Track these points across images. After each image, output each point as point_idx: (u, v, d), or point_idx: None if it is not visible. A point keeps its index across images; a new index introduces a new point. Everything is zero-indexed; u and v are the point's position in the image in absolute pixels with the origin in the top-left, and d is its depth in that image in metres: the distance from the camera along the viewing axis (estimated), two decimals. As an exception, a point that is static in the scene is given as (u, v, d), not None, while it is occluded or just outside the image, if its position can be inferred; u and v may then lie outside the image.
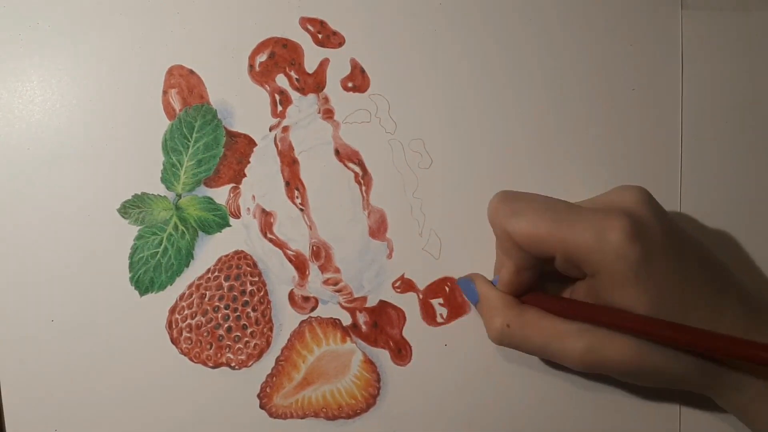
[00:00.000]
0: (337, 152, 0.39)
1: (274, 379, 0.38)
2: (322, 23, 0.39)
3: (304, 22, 0.39)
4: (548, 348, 0.33)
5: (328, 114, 0.39)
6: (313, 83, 0.39)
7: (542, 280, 0.36)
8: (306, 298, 0.39)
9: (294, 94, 0.39)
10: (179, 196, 0.38)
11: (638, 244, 0.30)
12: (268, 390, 0.38)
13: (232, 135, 0.39)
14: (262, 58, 0.39)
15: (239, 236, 0.39)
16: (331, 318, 0.39)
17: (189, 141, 0.38)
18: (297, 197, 0.39)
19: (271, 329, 0.39)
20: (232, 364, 0.38)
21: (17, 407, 0.38)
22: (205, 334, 0.38)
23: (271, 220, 0.39)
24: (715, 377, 0.32)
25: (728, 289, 0.32)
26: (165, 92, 0.38)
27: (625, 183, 0.39)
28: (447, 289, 0.39)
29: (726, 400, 0.33)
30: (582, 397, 0.39)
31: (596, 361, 0.32)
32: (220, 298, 0.38)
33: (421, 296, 0.39)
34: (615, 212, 0.31)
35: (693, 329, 0.30)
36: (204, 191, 0.39)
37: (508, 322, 0.34)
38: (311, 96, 0.39)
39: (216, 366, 0.38)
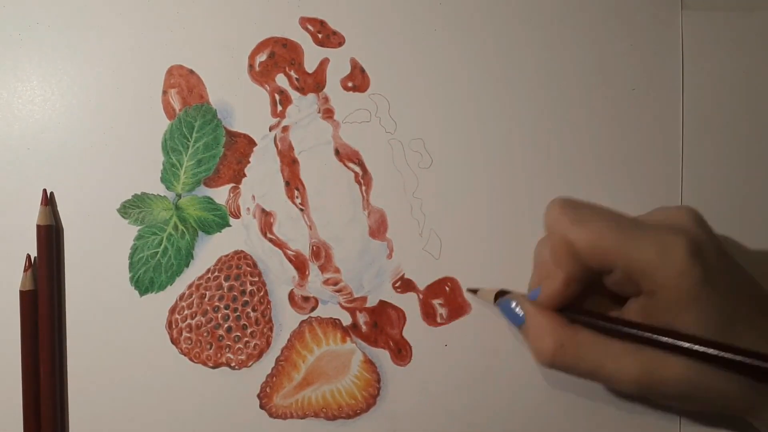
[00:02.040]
0: (337, 152, 0.39)
1: (274, 379, 0.38)
2: (322, 23, 0.39)
3: (304, 21, 0.39)
4: (603, 369, 0.32)
5: (328, 114, 0.39)
6: (313, 83, 0.39)
7: (585, 299, 0.35)
8: (306, 298, 0.39)
9: (294, 94, 0.39)
10: (179, 196, 0.38)
11: (700, 262, 0.30)
12: (268, 390, 0.38)
13: (232, 135, 0.39)
14: (262, 57, 0.39)
15: (239, 236, 0.39)
16: (331, 318, 0.39)
17: (189, 141, 0.38)
18: (297, 197, 0.39)
19: (271, 329, 0.39)
20: (232, 364, 0.38)
21: (17, 407, 0.38)
22: (205, 334, 0.38)
23: (271, 220, 0.39)
24: (763, 401, 0.32)
25: None
26: (165, 92, 0.38)
27: (625, 183, 0.39)
28: (447, 289, 0.39)
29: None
30: (581, 398, 0.39)
31: (651, 382, 0.31)
32: (220, 298, 0.38)
33: (421, 296, 0.39)
34: (677, 230, 0.31)
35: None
36: (204, 191, 0.39)
37: (561, 342, 0.32)
38: (311, 96, 0.39)
39: (216, 366, 0.38)
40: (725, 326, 0.31)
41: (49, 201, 0.38)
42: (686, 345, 0.30)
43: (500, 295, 0.36)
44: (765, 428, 0.33)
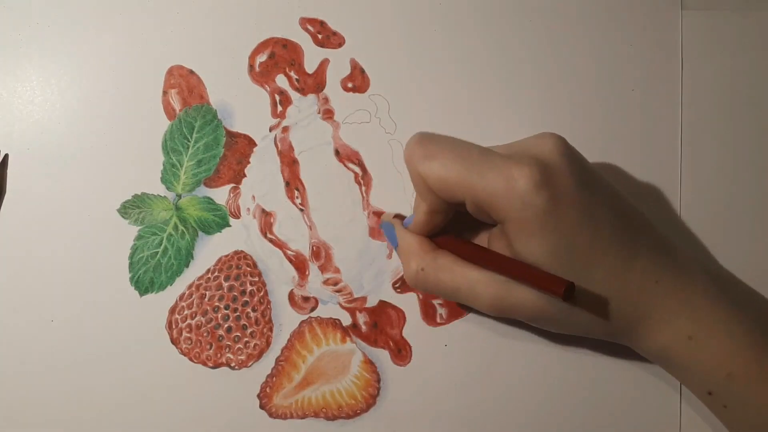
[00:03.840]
0: (337, 152, 0.39)
1: (274, 379, 0.38)
2: (322, 23, 0.39)
3: (304, 22, 0.39)
4: (459, 293, 0.33)
5: (328, 114, 0.39)
6: (313, 83, 0.39)
7: (462, 224, 0.36)
8: (306, 299, 0.39)
9: (294, 95, 0.39)
10: (179, 196, 0.38)
11: (545, 192, 0.30)
12: (268, 390, 0.38)
13: (232, 135, 0.39)
14: (262, 58, 0.39)
15: (239, 236, 0.39)
16: (331, 318, 0.39)
17: (189, 141, 0.38)
18: (297, 197, 0.39)
19: (270, 329, 0.39)
20: (232, 365, 0.38)
21: (17, 407, 0.38)
22: (205, 334, 0.38)
23: (271, 220, 0.39)
24: (631, 323, 0.32)
25: (640, 236, 0.32)
26: (165, 92, 0.39)
27: (624, 183, 0.39)
28: (447, 289, 0.39)
29: (644, 349, 0.34)
30: (582, 397, 0.39)
31: (504, 308, 0.33)
32: (220, 299, 0.38)
33: (421, 296, 0.39)
34: (525, 159, 0.31)
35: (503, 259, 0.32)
36: (204, 191, 0.39)
37: (422, 266, 0.34)
38: (311, 96, 0.39)
39: (216, 366, 0.38)
40: (578, 254, 0.31)
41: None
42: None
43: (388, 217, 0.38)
44: (637, 349, 0.34)
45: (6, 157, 0.38)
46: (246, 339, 0.38)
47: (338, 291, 0.39)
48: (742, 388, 0.31)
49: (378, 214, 0.39)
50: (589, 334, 0.34)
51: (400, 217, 0.38)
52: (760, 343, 0.31)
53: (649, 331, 0.32)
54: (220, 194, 0.39)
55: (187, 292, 0.38)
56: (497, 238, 0.34)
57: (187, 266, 0.38)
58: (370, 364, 0.39)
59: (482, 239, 0.36)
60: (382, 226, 0.38)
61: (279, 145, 0.39)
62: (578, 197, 0.31)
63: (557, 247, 0.31)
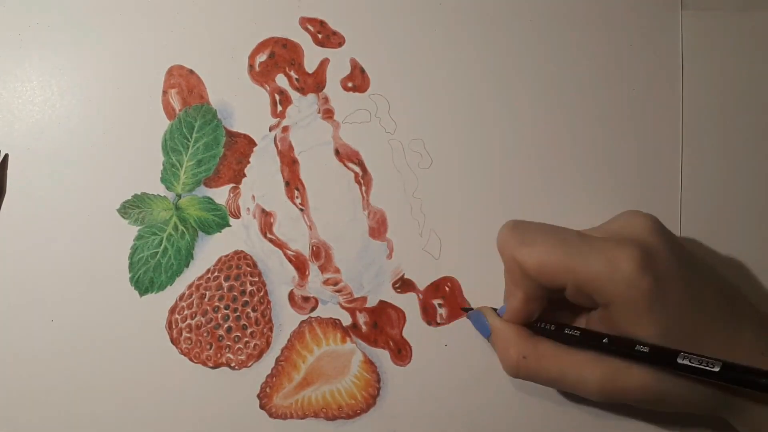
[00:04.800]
0: (337, 152, 0.39)
1: (274, 379, 0.38)
2: (322, 23, 0.39)
3: (304, 22, 0.39)
4: (566, 379, 0.33)
5: (327, 114, 0.39)
6: (313, 83, 0.39)
7: (555, 310, 0.36)
8: (306, 299, 0.39)
9: (294, 94, 0.39)
10: (179, 196, 0.38)
11: (649, 273, 0.30)
12: (268, 390, 0.38)
13: (231, 135, 0.39)
14: (262, 58, 0.39)
15: (239, 236, 0.39)
16: (331, 318, 0.39)
17: (189, 141, 0.38)
18: (297, 197, 0.39)
19: (270, 329, 0.39)
20: (232, 365, 0.38)
21: (18, 407, 0.38)
22: (205, 334, 0.38)
23: (271, 220, 0.39)
24: (730, 404, 0.32)
25: (743, 313, 0.32)
26: (165, 92, 0.38)
27: (624, 183, 0.39)
28: (447, 289, 0.39)
29: (740, 426, 0.33)
30: (582, 399, 0.39)
31: (614, 390, 0.32)
32: (220, 299, 0.38)
33: (421, 296, 0.39)
34: (626, 242, 0.31)
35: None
36: (204, 191, 0.39)
37: (524, 354, 0.34)
38: (311, 96, 0.39)
39: (216, 366, 0.38)
40: (687, 332, 0.31)
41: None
42: (638, 352, 0.31)
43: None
44: (741, 427, 0.34)
45: (6, 157, 0.38)
46: (246, 339, 0.38)
47: (338, 291, 0.39)
48: None
49: (378, 213, 0.39)
50: (696, 410, 0.33)
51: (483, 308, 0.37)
52: None
53: (746, 413, 0.32)
54: (220, 194, 0.39)
55: (187, 292, 0.38)
56: (597, 322, 0.34)
57: (187, 266, 0.38)
58: (370, 364, 0.39)
59: (579, 324, 0.36)
60: (470, 315, 0.38)
61: (279, 144, 0.39)
62: (681, 276, 0.31)
63: (665, 326, 0.31)
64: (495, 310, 0.37)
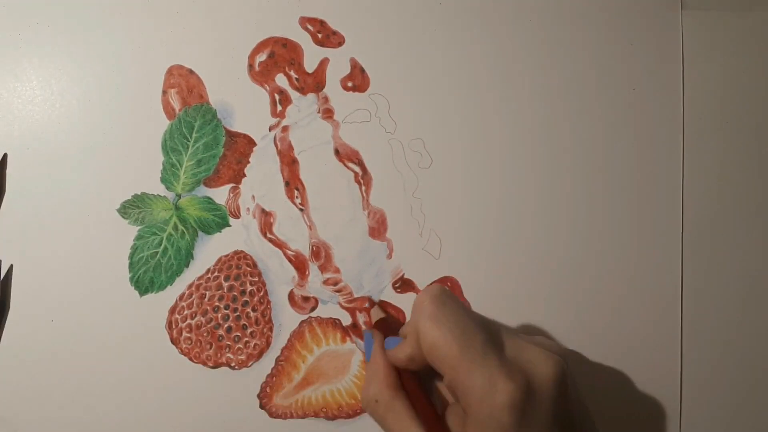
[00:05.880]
0: (336, 152, 0.39)
1: (274, 379, 0.38)
2: (321, 23, 0.39)
3: (304, 21, 0.39)
4: None
5: (327, 114, 0.39)
6: (313, 83, 0.39)
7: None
8: (306, 298, 0.39)
9: (294, 94, 0.39)
10: (179, 196, 0.38)
11: (517, 414, 0.30)
12: (268, 390, 0.38)
13: (231, 135, 0.39)
14: (262, 57, 0.39)
15: (239, 236, 0.39)
16: (331, 318, 0.39)
17: (189, 141, 0.38)
18: (297, 197, 0.39)
19: (270, 329, 0.39)
20: (232, 364, 0.38)
21: (17, 407, 0.38)
22: (205, 334, 0.38)
23: (271, 220, 0.39)
24: None
25: None
26: (165, 92, 0.38)
27: (625, 183, 0.39)
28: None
29: None
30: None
31: None
32: (220, 299, 0.38)
33: (421, 296, 0.39)
34: (517, 375, 0.31)
35: None
36: (204, 191, 0.39)
37: (378, 398, 0.34)
38: (311, 96, 0.39)
39: (216, 366, 0.38)
40: None
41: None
42: None
43: (380, 323, 0.38)
44: None
45: (5, 156, 0.38)
46: (246, 339, 0.38)
47: (338, 291, 0.39)
48: None
49: (378, 213, 0.39)
50: None
51: (386, 326, 0.37)
52: None
53: None
54: (220, 194, 0.39)
55: (187, 292, 0.38)
56: (457, 411, 0.34)
57: (187, 266, 0.38)
58: (370, 363, 0.39)
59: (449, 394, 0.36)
60: (365, 333, 0.38)
61: (279, 144, 0.39)
62: (546, 428, 0.31)
63: None
64: (386, 338, 0.36)
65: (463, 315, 0.33)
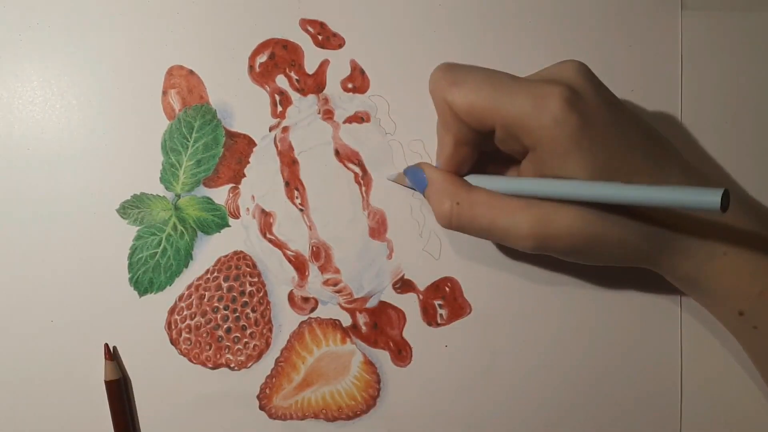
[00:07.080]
0: (336, 153, 0.39)
1: (274, 380, 0.38)
2: (322, 25, 0.39)
3: (305, 23, 0.39)
4: (497, 225, 0.32)
5: (327, 114, 0.39)
6: (313, 84, 0.39)
7: (486, 165, 0.36)
8: (305, 299, 0.39)
9: (294, 95, 0.39)
10: (178, 196, 0.38)
11: (577, 110, 0.30)
12: (267, 391, 0.38)
13: (231, 135, 0.39)
14: (262, 58, 0.39)
15: (238, 237, 0.38)
16: (331, 319, 0.39)
17: (188, 141, 0.38)
18: (297, 197, 0.39)
19: (270, 330, 0.38)
20: (232, 365, 0.38)
21: (17, 408, 0.38)
22: (204, 335, 0.38)
23: (271, 220, 0.39)
24: (664, 244, 0.32)
25: (670, 160, 0.32)
26: (165, 92, 0.39)
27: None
28: (447, 289, 0.39)
29: (676, 271, 0.33)
30: (581, 398, 0.38)
31: (544, 236, 0.31)
32: (220, 299, 0.38)
33: (421, 297, 0.39)
34: (554, 81, 0.31)
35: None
36: (203, 191, 0.38)
37: (457, 200, 0.33)
38: (311, 97, 0.39)
39: (215, 367, 0.38)
40: (614, 172, 0.31)
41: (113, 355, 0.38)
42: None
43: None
44: (668, 274, 0.33)
45: None
46: (245, 340, 0.38)
47: (338, 291, 0.39)
48: None
49: (378, 213, 0.39)
50: (621, 262, 0.33)
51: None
52: None
53: (682, 250, 0.32)
54: (220, 194, 0.39)
55: (186, 293, 0.38)
56: (527, 170, 0.33)
57: (187, 267, 0.38)
58: (370, 365, 0.39)
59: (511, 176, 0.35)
60: (406, 171, 0.37)
61: (279, 145, 0.39)
62: (609, 116, 0.31)
63: (593, 165, 0.30)
64: (408, 171, 0.36)
65: (474, 66, 0.33)
